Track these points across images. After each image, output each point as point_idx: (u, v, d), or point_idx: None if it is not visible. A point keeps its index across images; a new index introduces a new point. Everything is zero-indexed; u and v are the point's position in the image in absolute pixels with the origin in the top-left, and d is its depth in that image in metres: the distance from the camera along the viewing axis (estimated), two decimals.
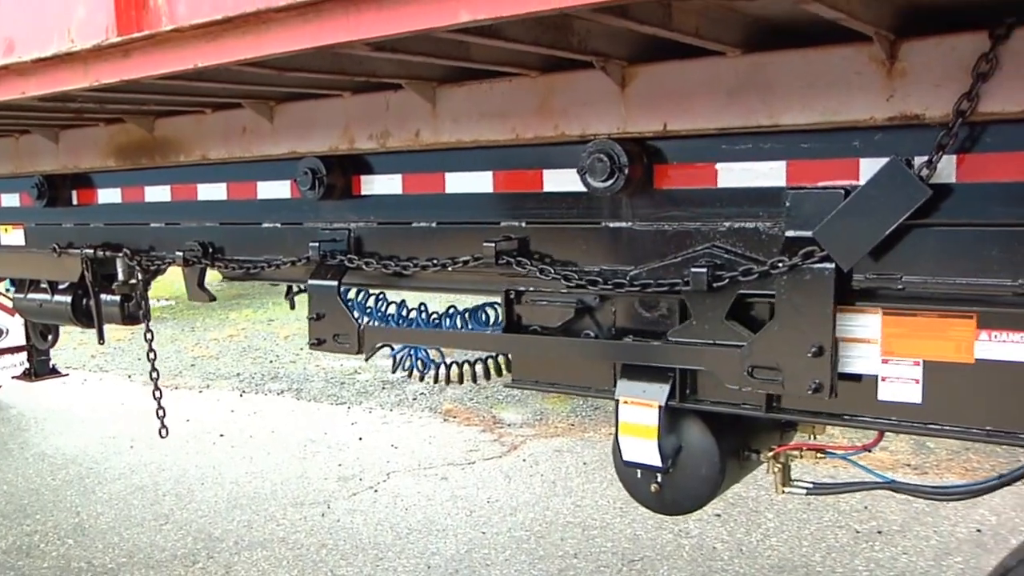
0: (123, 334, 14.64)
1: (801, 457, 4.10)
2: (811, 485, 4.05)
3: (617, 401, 3.85)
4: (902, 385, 3.32)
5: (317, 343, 4.54)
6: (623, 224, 3.66)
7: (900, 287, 3.15)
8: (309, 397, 12.70)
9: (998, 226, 2.98)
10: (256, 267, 4.79)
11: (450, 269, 4.04)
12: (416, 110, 3.93)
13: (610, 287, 3.60)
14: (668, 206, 3.55)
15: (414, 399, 12.06)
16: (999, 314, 3.09)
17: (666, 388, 3.72)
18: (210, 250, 5.06)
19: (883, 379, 3.34)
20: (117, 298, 6.10)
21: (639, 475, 3.95)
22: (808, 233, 3.19)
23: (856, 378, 3.36)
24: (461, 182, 4.08)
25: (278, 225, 4.79)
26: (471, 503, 8.52)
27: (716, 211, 3.44)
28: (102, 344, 6.36)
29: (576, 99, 3.55)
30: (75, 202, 5.88)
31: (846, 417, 3.50)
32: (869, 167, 3.14)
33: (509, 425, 10.66)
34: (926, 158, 2.96)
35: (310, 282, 4.52)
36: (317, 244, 4.42)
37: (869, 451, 3.99)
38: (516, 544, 7.58)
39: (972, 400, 3.20)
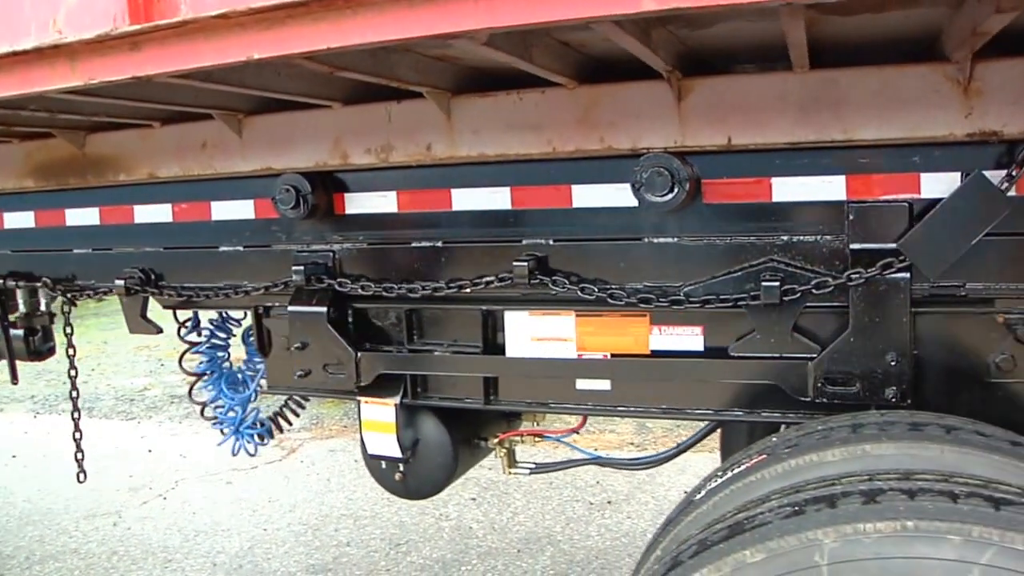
0: None
1: (523, 442, 4.02)
2: (534, 465, 4.04)
3: (359, 401, 3.66)
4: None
5: (304, 375, 3.58)
6: (669, 239, 3.00)
7: (963, 293, 2.75)
8: (101, 415, 11.05)
9: None
10: (217, 294, 3.68)
11: (468, 290, 3.21)
12: (427, 121, 3.09)
13: (665, 304, 2.97)
14: (719, 220, 2.94)
15: (187, 414, 10.73)
16: (667, 312, 3.04)
17: (401, 387, 3.57)
18: (152, 277, 3.85)
19: None
20: (20, 332, 4.70)
21: (384, 466, 3.80)
22: (875, 245, 2.74)
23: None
24: (472, 199, 3.23)
25: (240, 248, 3.67)
26: (253, 504, 7.74)
27: (772, 225, 2.89)
28: (15, 384, 4.82)
29: (625, 111, 2.86)
30: None
31: (552, 404, 3.44)
32: (930, 181, 2.70)
33: (288, 430, 9.24)
34: (1004, 172, 2.57)
35: (291, 309, 3.54)
36: (302, 268, 3.41)
37: (578, 432, 3.95)
38: (295, 537, 7.00)
39: (650, 384, 3.21)
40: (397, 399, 3.56)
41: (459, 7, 1.99)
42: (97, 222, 3.94)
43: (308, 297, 3.46)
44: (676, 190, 2.77)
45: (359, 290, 3.36)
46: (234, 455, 4.64)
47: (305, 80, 2.93)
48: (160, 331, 4.02)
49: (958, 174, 2.64)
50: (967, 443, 2.32)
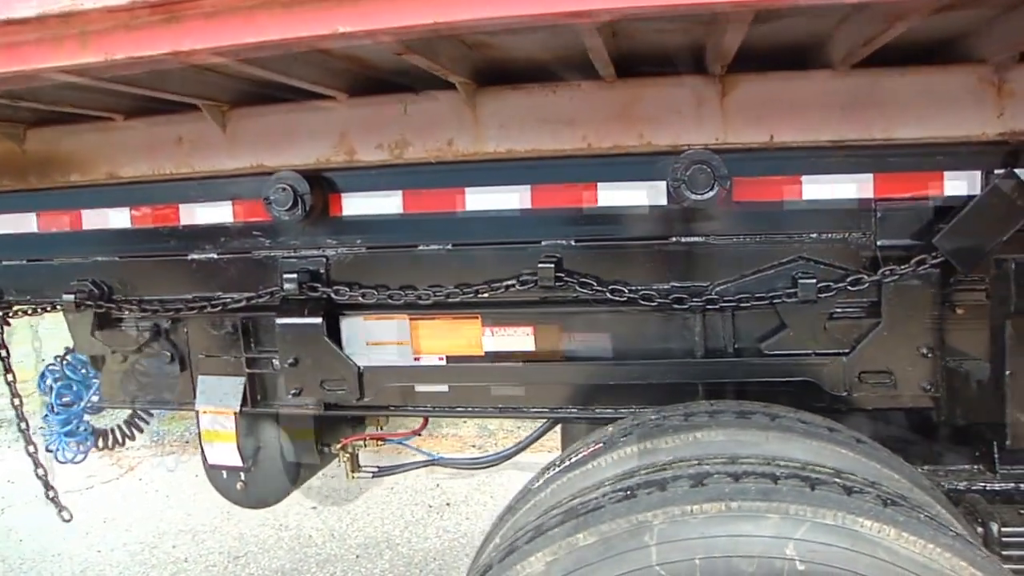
0: None
1: (365, 447, 3.89)
2: (376, 468, 3.89)
3: (197, 412, 3.43)
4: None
5: (298, 393, 3.16)
6: (698, 239, 2.81)
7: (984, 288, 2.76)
8: None
9: None
10: (191, 307, 3.15)
11: (485, 295, 2.90)
12: (449, 115, 2.78)
13: (701, 303, 2.79)
14: (749, 219, 2.78)
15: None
16: (496, 313, 3.00)
17: (239, 396, 3.35)
18: (106, 290, 3.27)
19: None
20: None
21: (225, 475, 3.59)
22: (901, 242, 2.68)
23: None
24: (486, 199, 2.90)
25: (214, 256, 3.16)
26: (88, 526, 6.97)
27: (801, 223, 2.76)
28: None
29: (667, 107, 2.66)
30: None
31: (392, 408, 3.30)
32: (955, 181, 2.65)
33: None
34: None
35: (280, 321, 3.12)
36: (295, 275, 2.98)
37: (419, 435, 3.81)
38: (130, 557, 6.46)
39: (486, 384, 3.12)
40: (236, 407, 3.36)
41: None
42: (35, 229, 3.28)
43: (301, 308, 3.04)
44: (716, 188, 2.61)
45: (360, 298, 2.98)
46: (61, 463, 4.15)
47: (316, 68, 2.55)
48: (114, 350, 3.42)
49: (980, 173, 2.61)
50: (789, 430, 2.42)
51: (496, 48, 2.57)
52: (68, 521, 4.39)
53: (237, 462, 3.45)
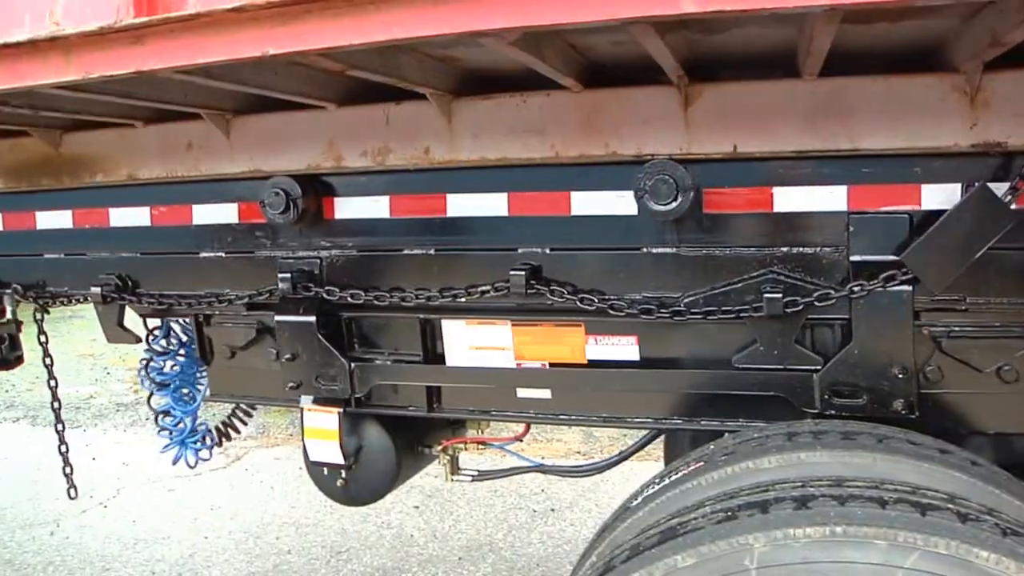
0: None
1: (466, 449, 4.00)
2: (476, 472, 4.01)
3: (302, 409, 3.53)
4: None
5: (295, 387, 3.43)
6: (668, 250, 2.89)
7: (964, 308, 2.70)
8: (45, 423, 10.43)
9: None
10: (200, 303, 3.47)
11: (463, 300, 3.06)
12: (427, 124, 2.95)
13: (668, 315, 2.85)
14: (719, 231, 2.84)
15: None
16: (601, 322, 3.03)
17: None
18: (129, 284, 3.62)
19: None
20: None
21: (326, 472, 3.69)
22: (875, 257, 2.67)
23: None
24: (467, 204, 3.08)
25: (222, 255, 3.46)
26: (195, 511, 7.57)
27: (772, 236, 2.80)
28: None
29: (631, 117, 2.76)
30: None
31: (494, 413, 3.44)
32: (930, 193, 2.65)
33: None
34: (1007, 185, 2.51)
35: (278, 318, 3.38)
36: (289, 275, 3.22)
37: (521, 440, 3.96)
38: (235, 545, 6.86)
39: (589, 393, 3.21)
40: (340, 407, 3.48)
41: (488, 5, 1.89)
42: (70, 225, 3.68)
43: (297, 306, 3.29)
44: (680, 198, 2.68)
45: (348, 299, 3.18)
46: (174, 464, 4.54)
47: (301, 79, 2.79)
48: (139, 340, 3.81)
49: (959, 186, 2.58)
50: (898, 451, 2.37)
51: (465, 60, 2.72)
52: (73, 499, 4.73)
53: (339, 460, 3.55)
